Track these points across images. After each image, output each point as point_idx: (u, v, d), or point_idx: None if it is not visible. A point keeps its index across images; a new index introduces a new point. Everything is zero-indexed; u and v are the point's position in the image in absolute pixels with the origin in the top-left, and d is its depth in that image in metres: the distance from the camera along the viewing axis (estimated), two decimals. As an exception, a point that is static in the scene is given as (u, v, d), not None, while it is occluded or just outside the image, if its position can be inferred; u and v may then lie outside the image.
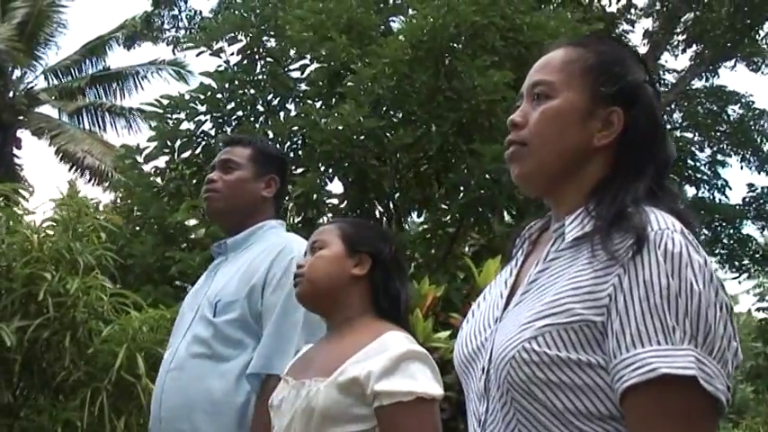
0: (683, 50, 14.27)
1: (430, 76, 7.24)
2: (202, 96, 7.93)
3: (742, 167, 15.32)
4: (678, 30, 13.88)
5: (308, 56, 8.05)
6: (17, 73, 18.41)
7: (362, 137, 6.98)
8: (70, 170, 17.97)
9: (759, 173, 15.40)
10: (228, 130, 8.03)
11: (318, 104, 7.79)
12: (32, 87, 18.73)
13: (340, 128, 6.85)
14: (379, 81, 6.98)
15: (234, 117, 8.10)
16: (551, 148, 1.38)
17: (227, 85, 8.01)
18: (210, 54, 8.17)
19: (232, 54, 8.18)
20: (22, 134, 18.40)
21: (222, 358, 2.51)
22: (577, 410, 1.23)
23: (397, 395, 1.92)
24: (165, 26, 15.92)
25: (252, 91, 8.05)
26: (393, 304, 2.15)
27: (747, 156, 14.98)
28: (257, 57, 8.23)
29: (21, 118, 18.19)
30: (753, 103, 15.01)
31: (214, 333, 2.53)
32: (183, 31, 15.77)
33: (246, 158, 2.76)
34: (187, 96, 7.96)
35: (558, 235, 1.37)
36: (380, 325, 2.07)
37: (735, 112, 14.81)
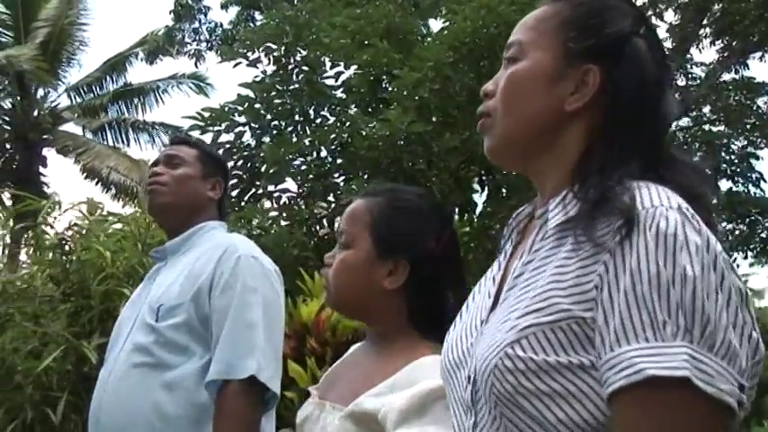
0: (712, 42, 14.21)
1: (471, 79, 7.21)
2: (240, 108, 7.93)
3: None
4: (705, 22, 13.81)
5: (343, 63, 8.04)
6: (41, 92, 18.54)
7: (408, 142, 6.96)
8: (96, 186, 18.09)
9: (791, 164, 15.26)
10: (267, 139, 8.03)
11: (357, 111, 7.78)
12: (56, 106, 18.85)
13: (387, 134, 6.82)
14: (423, 85, 6.95)
15: (272, 127, 8.09)
16: (515, 117, 1.22)
17: (264, 95, 8.00)
18: (248, 64, 8.17)
19: (268, 64, 8.18)
20: (48, 152, 18.53)
21: (167, 366, 2.31)
22: (572, 421, 1.06)
23: None
24: (186, 39, 15.94)
25: (290, 100, 8.04)
26: (439, 315, 1.71)
27: (779, 148, 14.87)
28: (293, 66, 8.22)
29: (45, 137, 18.31)
30: (782, 93, 14.91)
31: (156, 339, 2.33)
32: (204, 44, 15.83)
33: (194, 157, 2.64)
34: (225, 108, 7.96)
35: (543, 222, 1.20)
36: (419, 346, 1.67)
37: (765, 103, 14.73)
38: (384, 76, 7.60)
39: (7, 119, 18.50)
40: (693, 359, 0.99)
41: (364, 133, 7.05)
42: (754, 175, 13.87)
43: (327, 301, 1.84)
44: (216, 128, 7.84)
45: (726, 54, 14.21)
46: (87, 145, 18.20)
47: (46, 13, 17.93)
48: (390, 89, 7.20)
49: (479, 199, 8.13)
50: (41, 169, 18.34)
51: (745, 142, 14.57)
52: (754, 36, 13.50)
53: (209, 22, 15.68)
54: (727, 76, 14.68)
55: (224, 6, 15.12)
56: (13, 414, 4.17)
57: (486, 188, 8.00)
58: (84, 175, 18.07)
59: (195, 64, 16.49)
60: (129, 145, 18.98)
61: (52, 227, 4.52)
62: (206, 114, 7.78)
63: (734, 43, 13.74)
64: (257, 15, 14.89)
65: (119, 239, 4.55)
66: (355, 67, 7.91)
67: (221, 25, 15.57)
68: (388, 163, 6.97)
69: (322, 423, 1.71)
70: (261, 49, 8.18)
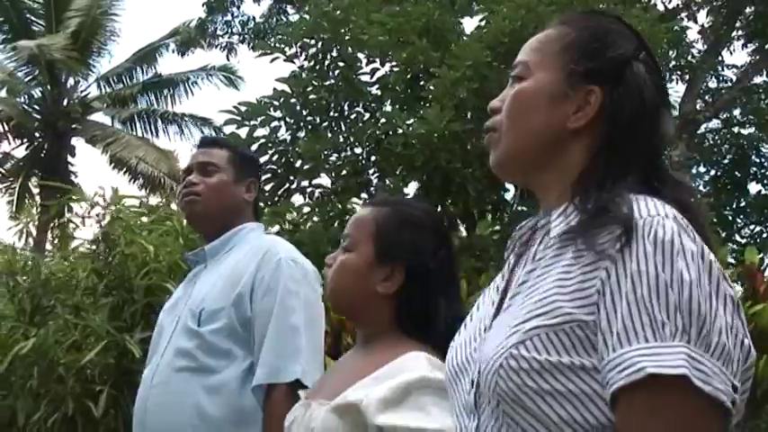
0: (744, 45, 14.10)
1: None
2: (276, 102, 7.92)
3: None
4: (738, 25, 13.70)
5: (378, 59, 8.02)
6: (71, 81, 18.66)
7: (445, 140, 6.92)
8: (124, 176, 18.19)
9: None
10: (302, 134, 8.03)
11: (394, 108, 7.75)
12: (86, 95, 18.96)
13: (423, 131, 6.80)
14: (461, 84, 6.92)
15: (308, 122, 8.08)
16: (520, 133, 1.29)
17: (300, 90, 8.00)
18: (284, 60, 8.17)
19: (305, 59, 8.18)
20: (77, 142, 18.66)
21: (210, 370, 2.34)
22: (574, 421, 1.11)
23: (401, 431, 1.61)
24: (219, 32, 15.97)
25: (327, 95, 8.03)
26: (426, 322, 1.80)
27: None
28: (329, 61, 8.21)
29: (74, 126, 18.43)
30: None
31: (199, 344, 2.36)
32: (236, 37, 15.85)
33: (226, 161, 2.63)
34: (261, 103, 7.95)
35: (545, 232, 1.27)
36: (407, 344, 1.76)
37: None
38: (421, 74, 7.56)
39: (37, 107, 18.66)
40: (691, 358, 1.05)
41: (401, 131, 7.03)
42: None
43: (324, 299, 1.99)
44: (252, 122, 7.83)
45: (758, 57, 14.10)
46: (116, 135, 18.31)
47: (78, 2, 18.03)
48: (428, 87, 7.17)
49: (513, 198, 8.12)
50: (70, 158, 18.49)
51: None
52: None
53: (242, 15, 15.69)
54: (758, 79, 14.57)
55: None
56: (55, 406, 4.21)
57: (519, 188, 7.96)
58: (113, 165, 18.18)
59: (227, 56, 16.51)
60: (157, 136, 19.12)
61: (98, 219, 4.53)
62: (242, 108, 7.78)
63: (766, 46, 13.61)
64: (289, 9, 14.91)
65: (161, 234, 4.56)
66: (391, 64, 7.89)
67: (254, 18, 15.57)
68: (424, 161, 6.95)
69: (307, 421, 1.75)
70: (298, 45, 8.17)
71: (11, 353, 4.23)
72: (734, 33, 13.96)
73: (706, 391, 1.04)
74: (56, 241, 17.38)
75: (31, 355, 4.24)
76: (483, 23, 8.12)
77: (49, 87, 18.38)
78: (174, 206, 6.97)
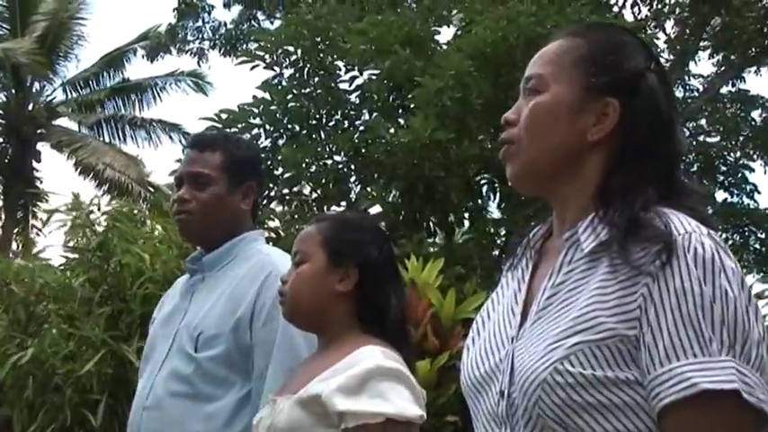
0: (711, 55, 14.33)
1: (488, 88, 7.22)
2: (256, 110, 7.90)
3: (766, 171, 15.33)
4: (704, 36, 13.91)
5: (358, 67, 8.04)
6: (36, 86, 18.43)
7: (428, 149, 6.95)
8: (90, 182, 17.97)
9: (784, 177, 15.29)
10: (282, 142, 8.03)
11: (377, 117, 7.78)
12: (52, 100, 18.74)
13: (408, 140, 6.82)
14: (445, 93, 6.96)
15: (288, 129, 8.07)
16: (540, 146, 1.30)
17: (280, 98, 7.98)
18: (264, 67, 8.17)
19: (286, 67, 8.18)
20: (42, 147, 18.42)
21: (206, 398, 2.24)
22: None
23: (363, 416, 1.71)
24: (189, 37, 15.87)
25: (307, 103, 8.03)
26: (382, 316, 1.94)
27: (772, 160, 14.92)
28: (309, 69, 8.20)
29: (40, 131, 18.20)
30: (775, 106, 15.01)
31: (195, 370, 2.25)
32: (207, 43, 15.75)
33: (218, 169, 2.43)
34: (243, 109, 7.92)
35: (572, 243, 1.27)
36: (364, 339, 1.88)
37: (760, 116, 14.83)
38: (402, 83, 7.59)
39: (1, 112, 18.41)
40: (739, 373, 1.10)
41: (384, 140, 7.06)
42: (748, 187, 13.98)
43: (283, 314, 2.03)
44: (231, 129, 7.80)
45: (723, 68, 14.34)
46: (83, 140, 18.08)
47: (45, 6, 17.82)
48: (411, 96, 7.21)
49: (492, 206, 8.18)
50: (35, 164, 18.25)
51: (739, 154, 14.67)
52: (752, 51, 13.59)
53: (213, 21, 15.58)
54: (723, 89, 14.80)
55: (226, 5, 15.07)
56: (52, 416, 4.17)
57: (498, 195, 8.03)
58: (79, 171, 17.93)
59: (198, 62, 16.40)
60: (125, 141, 18.91)
61: (91, 227, 4.50)
62: (223, 116, 7.77)
63: (732, 57, 13.85)
64: (260, 15, 14.88)
65: (156, 243, 4.54)
66: (370, 72, 7.92)
67: (225, 24, 15.48)
68: (407, 169, 6.98)
69: (273, 417, 1.84)
70: (279, 52, 8.16)
71: (7, 363, 4.18)
72: (700, 44, 14.18)
73: (752, 402, 1.09)
74: (19, 248, 17.15)
75: (26, 365, 4.19)
76: (461, 33, 8.18)
77: (13, 92, 18.18)
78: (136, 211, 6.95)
